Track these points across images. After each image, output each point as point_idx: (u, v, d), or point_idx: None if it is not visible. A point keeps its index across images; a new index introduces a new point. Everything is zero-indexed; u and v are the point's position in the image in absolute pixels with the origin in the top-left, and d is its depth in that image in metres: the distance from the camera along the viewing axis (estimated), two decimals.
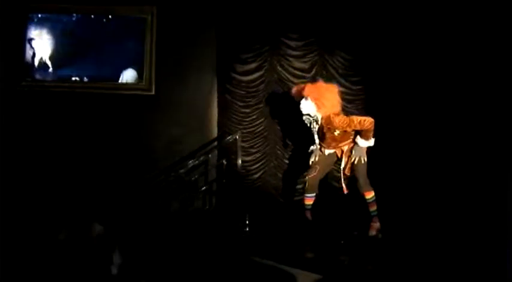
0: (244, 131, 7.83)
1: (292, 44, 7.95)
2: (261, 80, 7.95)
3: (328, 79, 7.73)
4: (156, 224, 6.62)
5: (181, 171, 7.31)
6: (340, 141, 6.65)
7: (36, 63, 7.73)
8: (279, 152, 7.99)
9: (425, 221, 7.02)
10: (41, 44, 7.74)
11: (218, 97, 7.94)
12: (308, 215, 6.82)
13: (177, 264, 5.64)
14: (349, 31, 7.85)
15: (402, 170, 7.56)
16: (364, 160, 6.59)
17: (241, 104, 7.95)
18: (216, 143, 7.76)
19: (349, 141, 6.66)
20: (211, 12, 7.90)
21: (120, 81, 7.80)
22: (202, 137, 7.77)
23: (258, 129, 7.96)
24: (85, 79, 7.76)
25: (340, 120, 6.44)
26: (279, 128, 7.98)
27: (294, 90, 6.86)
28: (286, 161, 7.99)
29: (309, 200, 6.80)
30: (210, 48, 7.93)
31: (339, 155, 6.76)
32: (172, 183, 7.27)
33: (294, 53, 7.94)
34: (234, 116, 7.92)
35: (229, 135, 7.56)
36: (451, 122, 7.37)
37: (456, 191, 7.17)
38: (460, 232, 6.50)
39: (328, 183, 7.57)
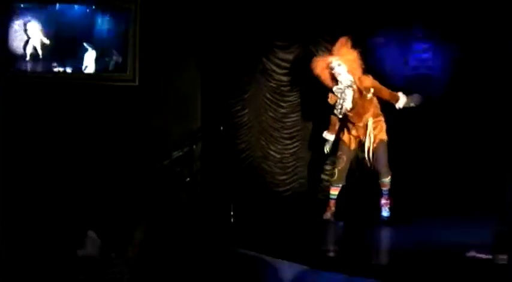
0: (228, 121, 7.81)
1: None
2: (245, 70, 7.93)
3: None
4: (141, 215, 6.59)
5: (166, 162, 7.29)
6: (367, 111, 6.75)
7: (18, 53, 7.65)
8: (263, 142, 7.99)
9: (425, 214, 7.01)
10: (25, 34, 7.67)
11: (202, 88, 7.93)
12: (331, 204, 6.94)
13: (161, 256, 5.63)
14: (333, 21, 7.83)
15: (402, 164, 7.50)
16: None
17: (225, 94, 7.93)
18: (200, 134, 7.74)
19: (372, 112, 6.78)
20: (196, 1, 7.86)
21: (84, 64, 7.73)
22: (186, 128, 7.75)
23: (242, 120, 7.96)
24: (68, 70, 7.70)
25: (371, 78, 6.68)
26: (263, 118, 7.99)
27: (318, 63, 6.87)
28: (271, 152, 8.00)
29: (335, 189, 6.94)
30: (194, 38, 7.90)
31: (362, 137, 6.84)
32: (157, 175, 7.26)
33: (279, 43, 7.93)
34: (218, 107, 7.90)
35: (213, 126, 7.56)
36: (453, 117, 7.34)
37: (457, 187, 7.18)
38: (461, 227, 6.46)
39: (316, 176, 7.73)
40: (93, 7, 7.74)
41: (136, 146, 7.65)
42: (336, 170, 6.90)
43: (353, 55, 6.73)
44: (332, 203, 6.93)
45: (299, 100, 7.91)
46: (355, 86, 6.68)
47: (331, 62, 6.71)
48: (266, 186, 7.95)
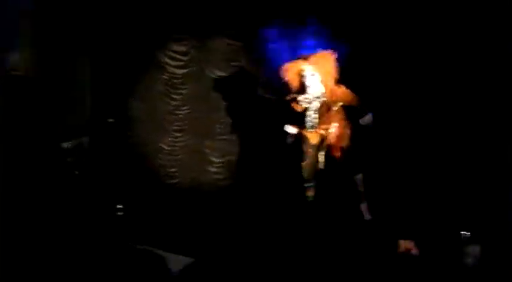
0: (120, 114, 7.78)
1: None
2: (138, 62, 7.89)
3: (207, 63, 7.86)
4: (28, 211, 6.49)
5: (56, 154, 7.19)
6: (333, 120, 6.25)
7: None
8: (155, 135, 7.97)
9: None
10: None
11: (93, 80, 7.84)
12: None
13: (47, 250, 5.58)
14: (227, 13, 7.86)
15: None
16: None
17: (118, 86, 7.87)
18: (91, 127, 7.67)
19: (338, 119, 6.28)
20: None
21: None
22: (76, 120, 7.66)
23: (135, 114, 7.94)
24: None
25: (343, 90, 6.20)
26: (156, 111, 7.96)
27: (289, 68, 6.35)
28: (163, 145, 7.98)
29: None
30: (87, 30, 7.80)
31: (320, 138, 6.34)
32: (44, 167, 7.14)
33: (173, 35, 7.91)
34: (109, 99, 7.85)
35: (103, 119, 7.51)
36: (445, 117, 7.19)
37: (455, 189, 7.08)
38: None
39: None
40: None
41: (25, 137, 7.49)
42: (303, 165, 6.38)
43: (330, 66, 6.24)
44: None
45: (191, 93, 7.92)
46: (324, 98, 6.26)
47: (303, 70, 6.26)
48: (158, 179, 7.93)
